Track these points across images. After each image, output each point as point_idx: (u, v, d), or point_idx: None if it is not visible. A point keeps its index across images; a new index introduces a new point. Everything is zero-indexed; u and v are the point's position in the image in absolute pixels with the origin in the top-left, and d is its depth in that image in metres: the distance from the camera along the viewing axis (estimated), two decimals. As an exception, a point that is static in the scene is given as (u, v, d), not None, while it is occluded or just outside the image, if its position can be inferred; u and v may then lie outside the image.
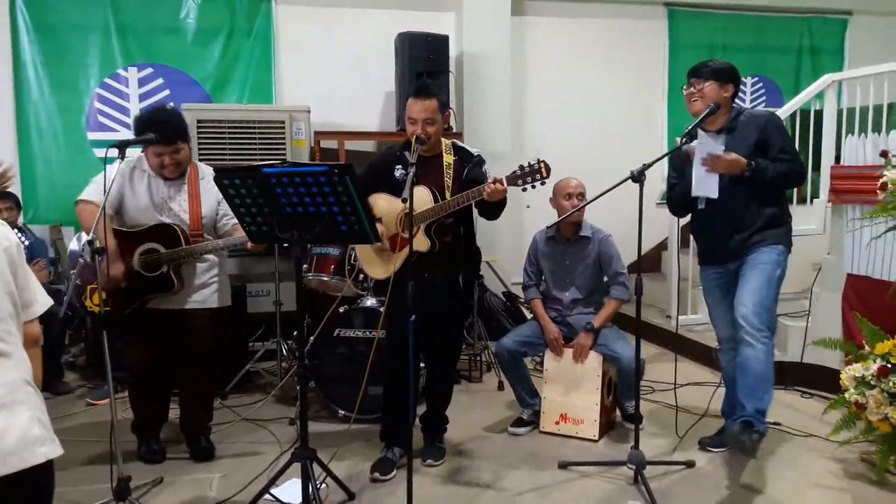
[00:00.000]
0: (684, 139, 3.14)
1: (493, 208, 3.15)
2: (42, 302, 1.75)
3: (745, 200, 3.21)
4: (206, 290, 3.38)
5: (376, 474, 3.22)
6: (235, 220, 3.39)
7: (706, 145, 3.14)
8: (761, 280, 3.16)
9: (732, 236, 3.26)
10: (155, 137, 3.11)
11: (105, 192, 2.80)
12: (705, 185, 3.21)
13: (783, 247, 3.25)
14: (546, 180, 2.99)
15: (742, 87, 6.65)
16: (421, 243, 3.13)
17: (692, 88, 3.26)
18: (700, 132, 3.20)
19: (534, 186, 2.99)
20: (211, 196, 3.35)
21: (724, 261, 3.34)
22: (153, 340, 3.33)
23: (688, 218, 3.52)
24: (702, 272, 3.51)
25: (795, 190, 5.45)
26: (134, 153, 3.28)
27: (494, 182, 2.95)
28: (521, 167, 2.99)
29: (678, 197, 3.47)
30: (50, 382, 4.41)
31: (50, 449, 1.54)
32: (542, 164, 2.96)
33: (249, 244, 3.03)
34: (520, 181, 2.98)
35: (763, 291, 3.14)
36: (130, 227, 3.27)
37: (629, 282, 3.61)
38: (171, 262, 3.23)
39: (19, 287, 1.65)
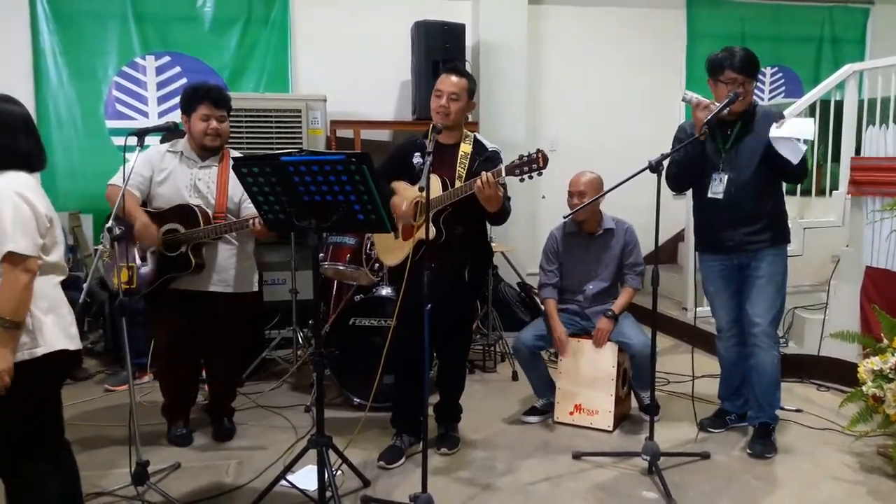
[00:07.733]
0: (704, 129, 3.12)
1: (495, 215, 3.13)
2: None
3: (752, 193, 3.24)
4: (227, 274, 3.42)
5: (382, 462, 3.24)
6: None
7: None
8: (774, 292, 3.35)
9: (738, 229, 3.30)
10: (209, 95, 3.29)
11: (125, 175, 2.83)
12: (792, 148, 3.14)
13: (785, 245, 3.39)
14: (543, 170, 2.90)
15: (761, 76, 6.66)
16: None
17: (739, 88, 3.15)
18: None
19: (531, 177, 2.92)
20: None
21: (727, 251, 3.37)
22: (179, 321, 3.38)
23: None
24: (702, 261, 3.52)
25: (815, 182, 5.42)
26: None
27: (485, 177, 2.90)
28: (521, 157, 2.93)
29: (684, 167, 3.36)
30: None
31: None
32: (539, 154, 2.89)
33: (257, 225, 3.06)
34: (517, 171, 2.92)
35: (777, 304, 3.38)
36: (156, 209, 3.31)
37: (646, 273, 3.61)
38: (189, 242, 3.28)
39: None
